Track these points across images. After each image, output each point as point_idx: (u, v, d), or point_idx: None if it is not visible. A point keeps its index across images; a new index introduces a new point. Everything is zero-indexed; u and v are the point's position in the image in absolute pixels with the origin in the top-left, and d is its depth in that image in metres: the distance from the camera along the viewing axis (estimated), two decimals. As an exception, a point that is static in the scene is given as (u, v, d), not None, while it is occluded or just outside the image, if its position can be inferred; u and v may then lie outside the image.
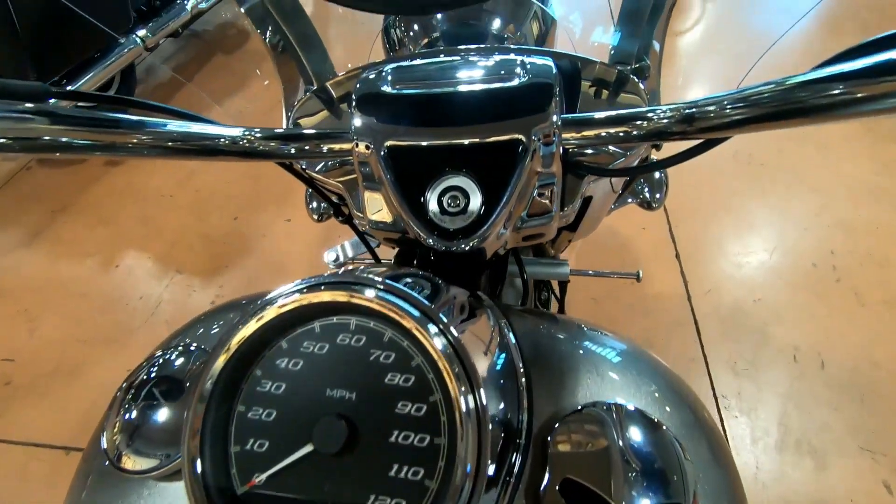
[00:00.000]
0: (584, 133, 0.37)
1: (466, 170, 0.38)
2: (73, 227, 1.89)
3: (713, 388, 1.35)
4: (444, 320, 0.28)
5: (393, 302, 0.28)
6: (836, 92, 0.27)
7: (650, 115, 0.35)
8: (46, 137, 0.35)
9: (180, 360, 0.42)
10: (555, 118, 0.36)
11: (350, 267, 0.33)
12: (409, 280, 0.31)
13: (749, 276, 1.61)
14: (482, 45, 0.69)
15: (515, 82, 0.37)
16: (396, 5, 0.30)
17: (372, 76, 0.40)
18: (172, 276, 1.71)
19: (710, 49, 2.53)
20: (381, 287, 0.29)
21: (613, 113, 0.37)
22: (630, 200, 0.70)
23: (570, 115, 0.38)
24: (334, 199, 0.51)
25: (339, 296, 0.29)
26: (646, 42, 0.54)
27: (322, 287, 0.29)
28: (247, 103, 2.47)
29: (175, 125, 0.37)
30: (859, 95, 0.26)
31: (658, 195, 0.69)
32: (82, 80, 1.97)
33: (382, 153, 0.38)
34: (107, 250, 1.80)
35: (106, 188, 2.07)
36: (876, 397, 1.31)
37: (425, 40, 0.83)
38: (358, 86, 0.39)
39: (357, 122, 0.38)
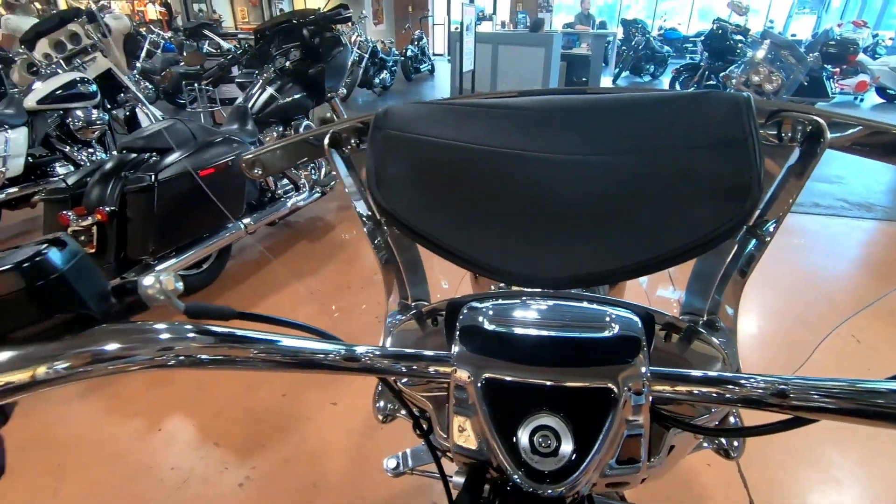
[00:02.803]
0: (677, 388, 0.39)
1: (560, 412, 0.40)
2: (129, 385, 1.96)
3: None
4: None
5: None
6: None
7: (742, 381, 0.37)
8: (204, 356, 0.38)
9: None
10: (643, 369, 0.39)
11: None
12: None
13: (845, 544, 1.36)
14: (570, 292, 0.74)
15: (606, 333, 0.41)
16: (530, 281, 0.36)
17: (475, 310, 0.45)
18: (209, 448, 1.67)
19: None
20: None
21: (704, 373, 0.39)
22: (706, 446, 0.67)
23: (660, 369, 0.40)
24: (416, 411, 0.53)
25: None
26: (716, 302, 0.59)
27: None
28: (319, 284, 2.72)
29: (291, 341, 0.41)
30: None
31: (736, 443, 0.66)
32: (188, 254, 2.27)
33: (480, 384, 0.41)
34: (155, 412, 1.83)
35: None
36: None
37: None
38: (462, 315, 0.45)
39: (457, 349, 0.42)
